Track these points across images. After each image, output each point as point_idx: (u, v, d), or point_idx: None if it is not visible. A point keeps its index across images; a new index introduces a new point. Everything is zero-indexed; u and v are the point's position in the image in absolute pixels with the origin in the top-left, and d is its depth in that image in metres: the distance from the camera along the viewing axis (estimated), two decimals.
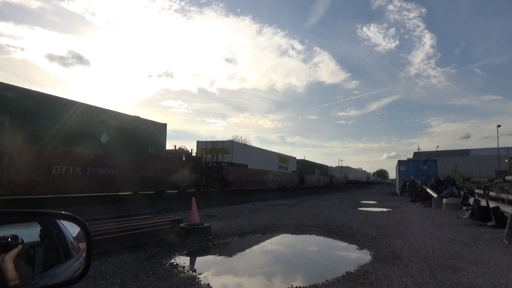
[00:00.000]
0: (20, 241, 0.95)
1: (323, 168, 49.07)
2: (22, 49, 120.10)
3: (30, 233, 1.06)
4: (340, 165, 76.36)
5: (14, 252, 0.91)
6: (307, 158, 47.19)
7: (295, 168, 36.25)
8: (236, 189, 21.27)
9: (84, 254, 1.17)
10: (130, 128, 12.93)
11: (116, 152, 11.98)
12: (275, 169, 30.23)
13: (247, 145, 27.02)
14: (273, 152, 31.25)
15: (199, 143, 22.86)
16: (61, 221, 1.18)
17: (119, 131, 12.37)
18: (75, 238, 1.18)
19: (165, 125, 15.30)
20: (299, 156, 41.60)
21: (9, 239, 0.92)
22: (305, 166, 41.00)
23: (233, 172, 21.21)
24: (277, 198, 20.25)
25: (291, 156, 36.02)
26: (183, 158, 16.68)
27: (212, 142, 22.78)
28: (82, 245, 1.18)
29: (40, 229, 1.09)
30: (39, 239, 1.08)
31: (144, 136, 13.71)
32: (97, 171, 11.05)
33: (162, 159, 14.56)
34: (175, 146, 17.22)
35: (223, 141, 23.38)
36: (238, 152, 23.44)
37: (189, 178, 16.22)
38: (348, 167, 71.87)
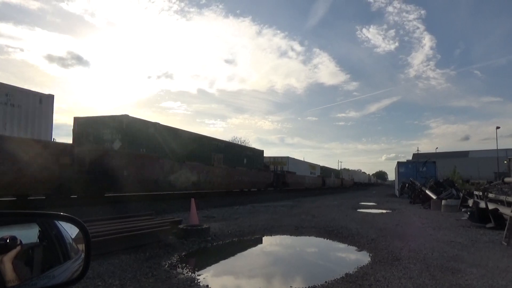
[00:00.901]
0: (18, 242, 0.95)
1: (336, 173, 64.29)
2: (22, 50, 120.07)
3: (29, 234, 1.06)
4: (339, 167, 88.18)
5: (12, 253, 0.91)
6: (306, 159, 60.76)
7: (319, 173, 48.52)
8: (292, 189, 31.46)
9: (82, 256, 1.17)
10: (251, 155, 26.05)
11: (249, 169, 24.35)
12: (308, 174, 42.16)
13: (295, 158, 39.16)
14: (307, 162, 45.80)
15: (265, 158, 33.75)
16: (60, 222, 1.18)
17: (247, 156, 25.27)
18: (74, 239, 1.18)
19: (263, 151, 29.84)
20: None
21: (8, 240, 0.92)
22: (325, 171, 53.22)
23: (290, 177, 31.91)
24: (278, 200, 20.22)
25: (317, 164, 50.04)
26: (268, 170, 28.35)
27: (275, 158, 35.37)
28: (81, 246, 1.18)
29: (39, 230, 1.09)
30: (38, 240, 1.08)
31: (256, 158, 26.83)
32: (245, 178, 22.97)
33: (262, 171, 26.87)
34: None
35: (281, 157, 35.93)
36: (290, 163, 35.73)
37: (271, 181, 27.81)
38: (353, 171, 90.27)
